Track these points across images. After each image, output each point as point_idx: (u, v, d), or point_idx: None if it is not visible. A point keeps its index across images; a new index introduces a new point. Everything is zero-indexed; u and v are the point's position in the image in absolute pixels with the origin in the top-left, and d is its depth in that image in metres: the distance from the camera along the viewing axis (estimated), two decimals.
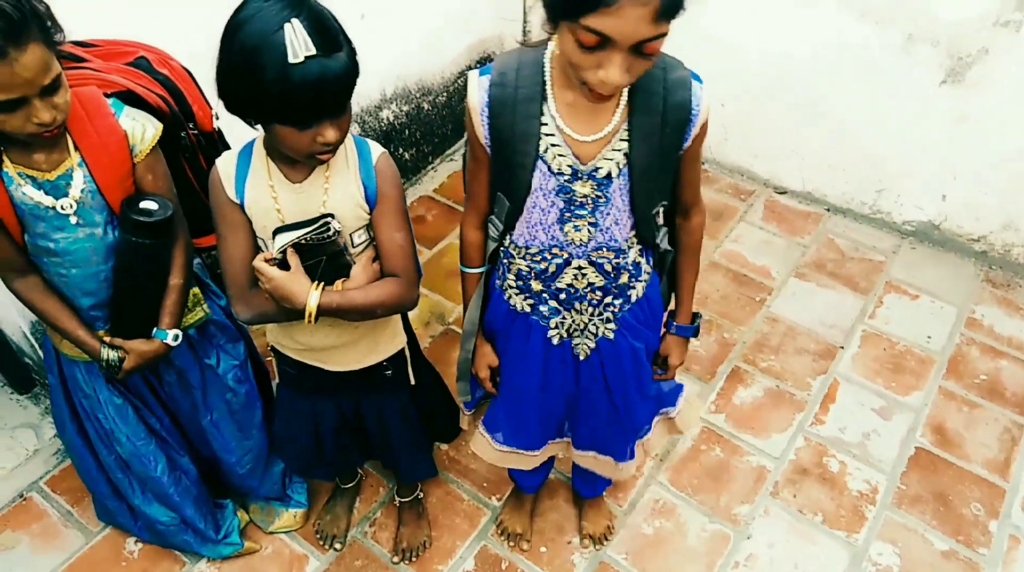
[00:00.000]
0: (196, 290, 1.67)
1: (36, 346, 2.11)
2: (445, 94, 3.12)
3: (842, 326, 2.58)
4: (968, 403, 2.35)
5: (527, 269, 1.40)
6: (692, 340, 1.62)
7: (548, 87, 1.22)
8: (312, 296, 1.33)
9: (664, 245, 1.44)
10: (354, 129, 2.72)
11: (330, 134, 1.20)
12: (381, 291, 1.39)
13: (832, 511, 2.09)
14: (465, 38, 3.09)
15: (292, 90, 1.11)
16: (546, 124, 1.22)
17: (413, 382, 1.69)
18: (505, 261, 1.44)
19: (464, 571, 1.97)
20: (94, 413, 1.73)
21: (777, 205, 3.06)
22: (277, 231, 1.34)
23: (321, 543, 2.01)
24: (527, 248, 1.38)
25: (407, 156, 3.07)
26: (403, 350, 1.63)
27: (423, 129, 3.09)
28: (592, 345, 1.48)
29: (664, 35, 1.02)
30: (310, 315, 1.33)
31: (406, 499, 2.01)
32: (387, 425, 1.73)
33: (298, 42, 1.10)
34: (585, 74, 1.06)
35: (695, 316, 1.58)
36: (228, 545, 1.95)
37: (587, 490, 2.00)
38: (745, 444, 2.24)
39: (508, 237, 1.40)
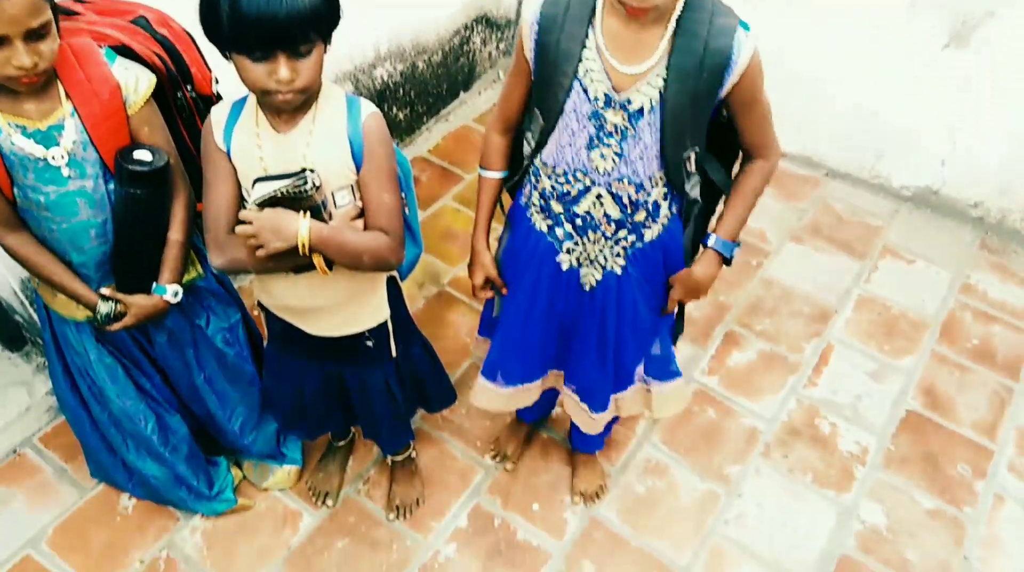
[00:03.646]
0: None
1: (27, 304, 2.10)
2: (440, 53, 3.06)
3: (837, 290, 2.58)
4: (959, 367, 2.37)
5: (551, 189, 1.44)
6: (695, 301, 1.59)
7: (598, 12, 1.26)
8: (302, 224, 1.30)
9: (694, 194, 1.43)
10: (347, 87, 2.68)
11: (283, 72, 1.18)
12: (370, 238, 1.38)
13: (822, 471, 2.11)
14: None
15: (239, 10, 1.12)
16: (588, 48, 1.26)
17: (395, 355, 1.67)
18: (533, 179, 1.48)
19: (457, 528, 1.99)
20: (85, 370, 1.73)
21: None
22: (257, 181, 1.33)
23: (314, 500, 2.02)
24: (554, 168, 1.41)
25: (401, 116, 3.03)
26: (385, 323, 1.62)
27: (417, 88, 3.04)
28: (598, 277, 1.51)
29: None
30: (303, 244, 1.31)
31: (399, 457, 2.02)
32: (368, 396, 1.73)
33: None
34: None
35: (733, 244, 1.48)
36: (222, 502, 1.96)
37: (583, 445, 2.02)
38: (738, 406, 2.26)
39: (539, 156, 1.44)
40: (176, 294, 1.56)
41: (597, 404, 1.70)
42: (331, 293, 1.50)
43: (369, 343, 1.61)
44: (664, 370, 1.70)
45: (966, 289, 2.60)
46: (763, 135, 1.40)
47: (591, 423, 1.74)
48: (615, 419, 1.93)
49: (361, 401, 1.74)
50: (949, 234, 2.78)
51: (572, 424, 2.01)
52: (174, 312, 1.67)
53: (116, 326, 1.56)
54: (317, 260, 1.37)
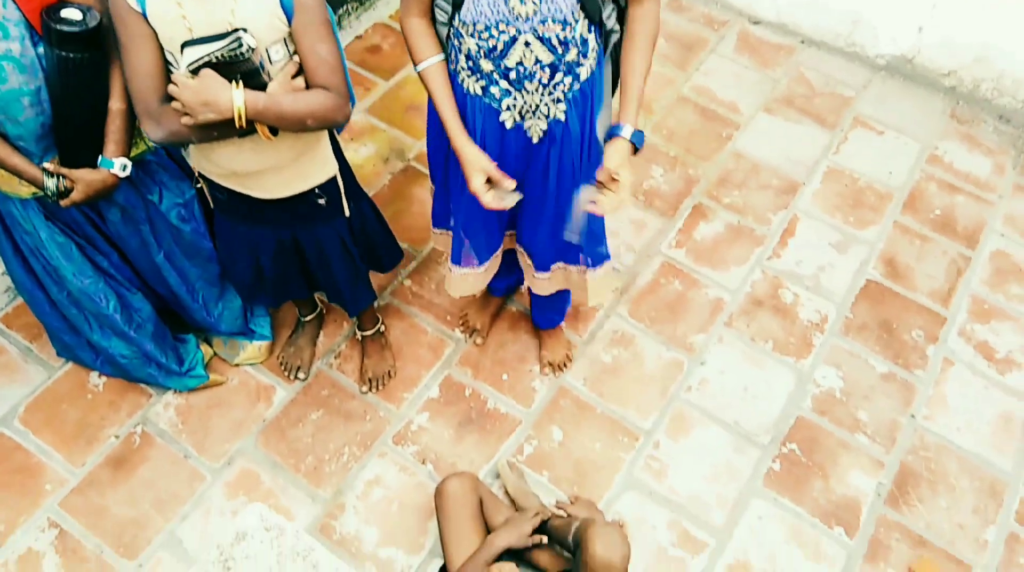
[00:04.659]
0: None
1: None
2: None
3: (806, 162, 2.57)
4: (921, 237, 2.41)
5: (476, 48, 1.38)
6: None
7: None
8: (236, 96, 1.24)
9: (611, 24, 1.42)
10: None
11: None
12: (311, 100, 1.33)
13: (782, 339, 2.17)
14: None
15: None
16: None
17: (347, 213, 1.65)
18: (455, 42, 1.41)
19: (429, 398, 2.04)
20: (37, 250, 1.67)
21: (750, 36, 2.93)
22: (185, 45, 1.24)
23: (287, 374, 2.04)
24: (474, 25, 1.35)
25: None
26: (335, 178, 1.58)
27: None
28: (544, 127, 1.48)
29: None
30: (239, 116, 1.26)
31: (368, 332, 2.03)
32: (326, 255, 1.70)
33: None
34: None
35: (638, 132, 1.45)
36: (193, 377, 1.97)
37: (543, 321, 2.05)
38: (703, 277, 2.29)
39: (456, 17, 1.37)
40: (124, 168, 1.49)
41: (539, 262, 1.72)
42: (277, 154, 1.45)
43: (321, 201, 1.59)
44: (594, 251, 1.70)
45: (933, 160, 2.60)
46: None
47: (534, 282, 1.77)
48: (567, 294, 1.93)
49: (319, 262, 1.73)
50: (921, 104, 2.75)
51: (532, 301, 2.02)
52: (125, 187, 1.60)
53: (66, 202, 1.49)
54: (260, 128, 1.31)
